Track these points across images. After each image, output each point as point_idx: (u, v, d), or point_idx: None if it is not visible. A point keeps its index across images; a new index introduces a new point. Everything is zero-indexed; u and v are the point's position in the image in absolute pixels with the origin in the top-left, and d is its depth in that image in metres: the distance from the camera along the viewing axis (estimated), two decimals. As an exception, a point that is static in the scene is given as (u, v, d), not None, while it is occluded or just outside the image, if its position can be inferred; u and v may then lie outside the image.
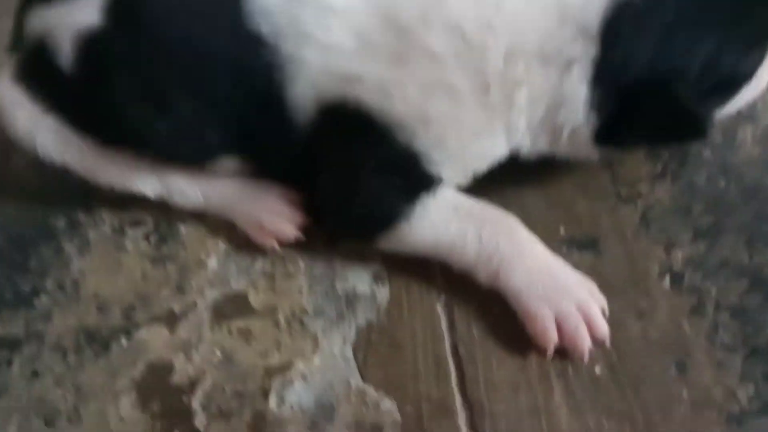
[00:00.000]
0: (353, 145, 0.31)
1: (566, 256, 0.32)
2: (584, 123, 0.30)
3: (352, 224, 0.33)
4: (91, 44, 0.30)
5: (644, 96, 0.29)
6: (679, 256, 0.32)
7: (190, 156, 0.34)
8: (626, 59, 0.28)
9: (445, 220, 0.31)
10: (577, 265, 0.31)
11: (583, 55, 0.28)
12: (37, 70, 0.32)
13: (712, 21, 0.29)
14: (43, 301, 0.34)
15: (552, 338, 0.29)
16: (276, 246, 0.34)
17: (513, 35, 0.28)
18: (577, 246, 0.33)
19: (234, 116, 0.31)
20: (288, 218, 0.33)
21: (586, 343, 0.29)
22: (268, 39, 0.29)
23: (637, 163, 0.36)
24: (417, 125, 0.29)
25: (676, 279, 0.32)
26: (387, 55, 0.29)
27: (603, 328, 0.30)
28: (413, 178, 0.30)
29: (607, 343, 0.30)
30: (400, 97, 0.29)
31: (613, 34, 0.28)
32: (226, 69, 0.30)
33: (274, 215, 0.33)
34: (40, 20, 0.32)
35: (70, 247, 0.36)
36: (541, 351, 0.30)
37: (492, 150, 0.31)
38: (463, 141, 0.30)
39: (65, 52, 0.31)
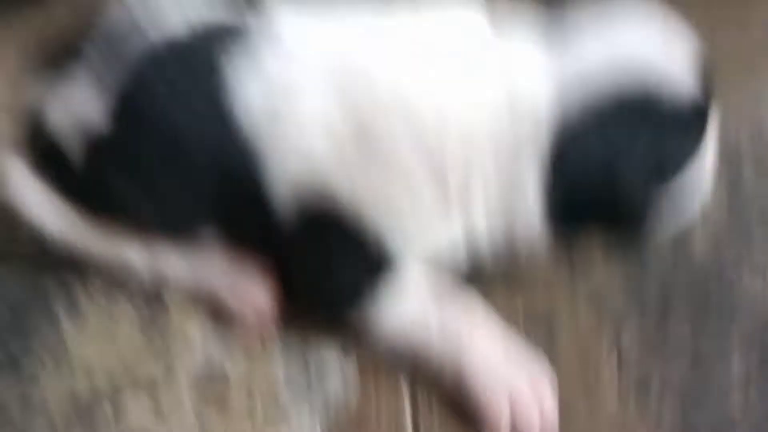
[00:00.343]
0: (323, 230, 0.33)
1: (521, 331, 0.35)
2: (535, 207, 0.32)
3: (323, 301, 0.35)
4: (93, 138, 0.34)
5: (589, 183, 0.32)
6: (627, 334, 0.35)
7: (172, 226, 0.37)
8: (572, 151, 0.31)
9: (407, 299, 0.34)
10: (530, 340, 0.34)
11: (533, 146, 0.31)
12: (46, 155, 0.36)
13: (649, 122, 0.32)
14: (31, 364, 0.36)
15: (504, 415, 0.32)
16: (254, 317, 0.36)
17: (468, 127, 0.31)
18: (532, 321, 0.36)
19: (220, 204, 0.34)
20: (265, 292, 0.36)
21: (536, 422, 0.32)
22: (249, 136, 0.32)
23: (591, 242, 0.39)
24: (381, 212, 0.32)
25: (624, 356, 0.34)
26: (354, 152, 0.32)
27: (552, 406, 0.32)
28: (378, 261, 0.33)
29: (556, 422, 0.32)
30: (365, 188, 0.32)
31: (561, 128, 0.31)
32: (210, 161, 0.33)
33: (253, 288, 0.36)
34: (55, 114, 0.35)
35: (61, 313, 0.38)
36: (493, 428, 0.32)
37: (450, 235, 0.34)
38: (423, 227, 0.33)
39: (72, 143, 0.34)
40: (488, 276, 0.37)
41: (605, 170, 0.31)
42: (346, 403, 0.34)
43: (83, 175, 0.35)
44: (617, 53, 0.32)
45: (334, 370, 0.35)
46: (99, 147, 0.34)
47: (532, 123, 0.31)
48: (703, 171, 0.35)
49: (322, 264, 0.34)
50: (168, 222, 0.36)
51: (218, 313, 0.37)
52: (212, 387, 0.35)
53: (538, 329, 0.35)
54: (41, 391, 0.35)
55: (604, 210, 0.33)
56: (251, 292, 0.36)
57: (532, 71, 0.31)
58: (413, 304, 0.34)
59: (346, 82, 0.32)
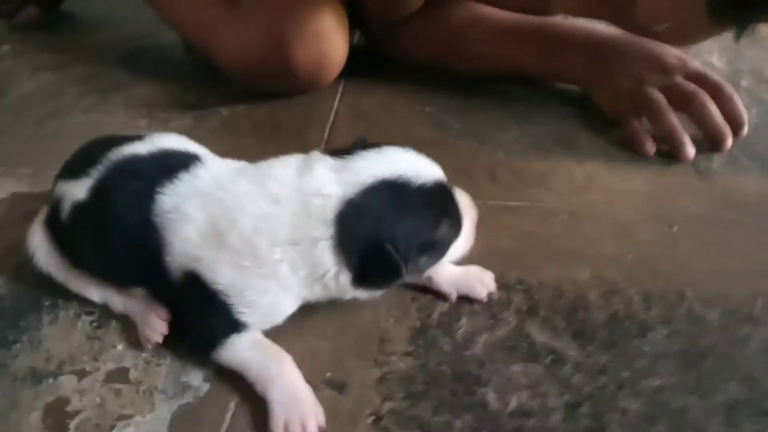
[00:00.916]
0: (195, 297, 0.52)
1: (319, 390, 0.51)
2: (339, 276, 0.50)
3: (194, 343, 0.54)
4: (76, 208, 0.55)
5: (367, 254, 0.49)
6: (389, 407, 0.50)
7: (117, 282, 0.57)
8: (354, 233, 0.49)
9: (245, 350, 0.51)
10: (323, 399, 0.50)
11: (325, 234, 0.49)
12: (51, 218, 0.58)
13: (408, 207, 0.50)
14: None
15: (280, 427, 0.47)
16: (151, 342, 0.55)
17: (275, 232, 0.49)
18: (330, 386, 0.52)
19: (138, 267, 0.54)
20: (159, 327, 0.54)
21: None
22: (160, 229, 0.52)
23: (399, 334, 0.56)
24: (228, 288, 0.51)
25: (379, 422, 0.50)
26: (212, 245, 0.51)
27: (315, 428, 0.47)
28: (228, 321, 0.51)
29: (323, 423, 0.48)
30: (219, 272, 0.51)
31: (342, 220, 0.49)
32: (135, 240, 0.53)
33: (153, 324, 0.55)
34: (60, 188, 0.57)
35: (46, 318, 0.58)
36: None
37: (281, 305, 0.52)
38: (257, 300, 0.51)
39: (65, 210, 0.56)
40: (313, 344, 0.55)
41: (374, 235, 0.49)
42: (193, 411, 0.51)
43: (66, 232, 0.57)
44: (381, 163, 0.51)
45: (195, 388, 0.53)
46: (77, 211, 0.55)
47: (320, 219, 0.49)
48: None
49: (193, 315, 0.53)
50: (110, 278, 0.57)
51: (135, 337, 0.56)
52: (118, 376, 0.53)
53: (332, 392, 0.52)
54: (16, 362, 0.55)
55: (376, 273, 0.50)
56: (153, 323, 0.55)
57: (324, 186, 0.50)
58: (248, 353, 0.51)
59: (211, 203, 0.52)
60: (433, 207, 0.52)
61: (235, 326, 0.51)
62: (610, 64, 0.85)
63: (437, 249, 0.54)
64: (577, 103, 0.91)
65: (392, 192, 0.50)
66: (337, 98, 0.93)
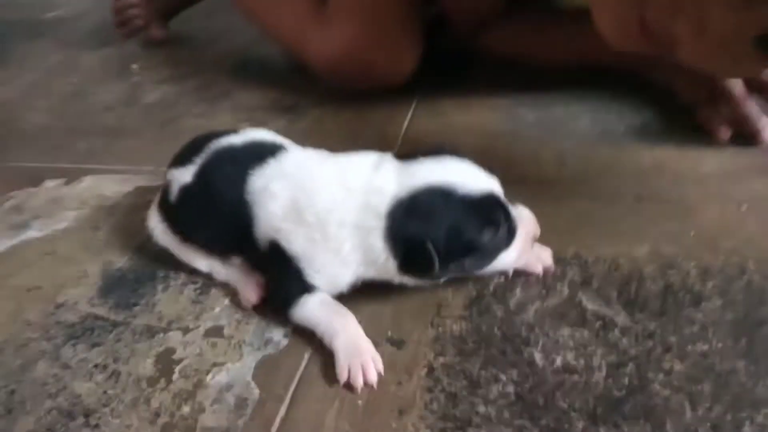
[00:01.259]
0: (276, 262, 0.60)
1: (379, 346, 0.57)
2: (387, 261, 0.56)
3: (274, 303, 0.61)
4: (183, 190, 0.65)
5: (408, 248, 0.55)
6: (441, 362, 0.56)
7: (218, 252, 0.66)
8: (400, 228, 0.55)
9: (315, 308, 0.59)
10: (383, 353, 0.57)
11: (378, 225, 0.56)
12: (163, 199, 0.68)
13: (452, 212, 0.55)
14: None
15: (343, 377, 0.54)
16: (250, 303, 0.64)
17: (343, 215, 0.57)
18: (390, 342, 0.59)
19: (234, 238, 0.63)
20: (256, 291, 0.63)
21: (360, 380, 0.53)
22: (251, 204, 0.61)
23: (456, 301, 0.61)
24: (302, 258, 0.58)
25: (431, 373, 0.55)
26: (293, 221, 0.59)
27: (372, 377, 0.54)
28: (301, 284, 0.59)
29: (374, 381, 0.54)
30: (294, 241, 0.58)
31: (393, 215, 0.55)
32: (231, 214, 0.62)
33: (251, 288, 0.64)
34: (170, 175, 0.68)
35: (160, 287, 0.69)
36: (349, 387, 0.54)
37: (341, 276, 0.59)
38: (322, 268, 0.58)
39: (174, 192, 0.66)
40: (375, 309, 0.61)
41: (417, 231, 0.55)
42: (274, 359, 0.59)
43: (175, 211, 0.67)
44: (435, 171, 0.57)
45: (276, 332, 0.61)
46: (184, 192, 0.65)
47: (376, 212, 0.56)
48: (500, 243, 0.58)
49: (273, 279, 0.62)
50: (212, 249, 0.67)
51: (234, 294, 0.65)
52: (215, 332, 0.62)
53: (393, 347, 0.58)
54: (135, 320, 0.66)
55: (416, 266, 0.56)
56: (251, 287, 0.64)
57: (384, 185, 0.57)
58: (318, 311, 0.59)
59: (294, 184, 0.60)
60: (478, 215, 0.56)
61: (306, 288, 0.59)
62: None
63: (482, 254, 0.58)
64: (650, 94, 0.92)
65: (439, 197, 0.56)
66: (416, 98, 1.00)
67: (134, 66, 1.29)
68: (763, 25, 0.54)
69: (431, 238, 0.54)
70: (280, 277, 0.60)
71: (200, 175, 0.65)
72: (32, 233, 0.81)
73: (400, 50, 0.96)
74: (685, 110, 0.87)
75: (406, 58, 0.97)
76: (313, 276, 0.59)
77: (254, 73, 1.18)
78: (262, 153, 0.64)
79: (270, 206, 0.60)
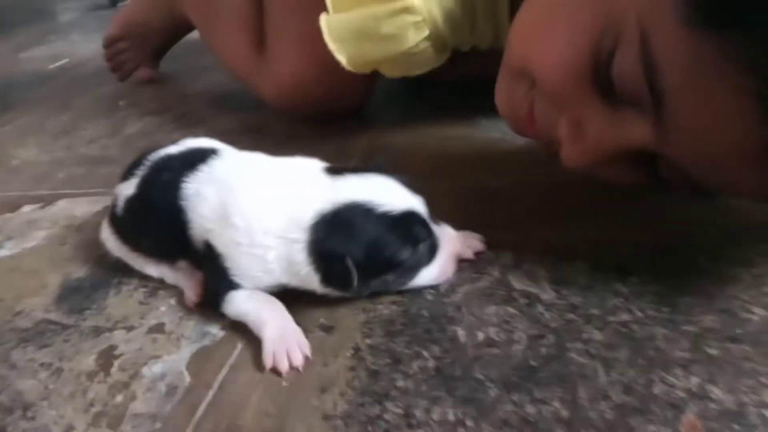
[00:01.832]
0: (209, 261, 0.62)
1: (310, 332, 0.59)
2: (309, 274, 0.57)
3: (208, 299, 0.63)
4: (127, 202, 0.68)
5: (329, 263, 0.56)
6: (368, 343, 0.57)
7: (164, 257, 0.69)
8: (322, 243, 0.56)
9: (243, 302, 0.60)
10: (313, 338, 0.58)
11: (301, 238, 0.56)
12: (112, 213, 0.71)
13: (371, 229, 0.56)
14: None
15: (269, 363, 0.55)
16: (190, 303, 0.66)
17: (269, 224, 0.58)
18: (321, 329, 0.60)
19: (176, 242, 0.65)
20: (196, 290, 0.65)
21: (285, 363, 0.54)
22: (186, 209, 0.63)
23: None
24: (227, 258, 0.60)
25: (357, 353, 0.56)
26: (221, 222, 0.61)
27: (297, 361, 0.55)
28: (227, 281, 0.60)
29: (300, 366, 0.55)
30: (221, 242, 0.60)
31: (315, 230, 0.56)
32: (170, 220, 0.64)
33: (192, 289, 0.66)
34: (116, 190, 0.71)
35: (112, 292, 0.72)
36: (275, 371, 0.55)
37: (266, 279, 0.60)
38: (249, 272, 0.60)
39: (120, 205, 0.69)
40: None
41: (336, 247, 0.56)
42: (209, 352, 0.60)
43: (122, 223, 0.70)
44: (360, 187, 0.58)
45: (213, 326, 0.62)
46: (128, 204, 0.68)
47: (300, 225, 0.57)
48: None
49: (206, 277, 0.64)
50: (158, 254, 0.69)
51: (181, 295, 0.67)
52: (157, 329, 0.64)
53: (322, 334, 0.59)
54: (85, 322, 0.68)
55: (336, 280, 0.57)
56: (191, 286, 0.66)
57: (310, 198, 0.58)
58: (245, 304, 0.60)
59: (223, 188, 0.62)
60: (398, 232, 0.57)
61: (232, 285, 0.61)
62: None
63: (403, 271, 0.59)
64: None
65: (361, 213, 0.57)
66: (380, 114, 1.04)
67: (121, 102, 1.35)
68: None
69: (351, 254, 0.55)
70: (211, 276, 0.62)
71: (140, 186, 0.68)
72: (3, 252, 0.84)
73: (347, 83, 0.94)
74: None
75: (356, 90, 0.99)
76: (236, 275, 0.60)
77: (231, 104, 1.23)
78: (195, 159, 0.67)
79: (200, 208, 0.62)
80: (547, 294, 0.59)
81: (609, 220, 0.68)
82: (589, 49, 0.51)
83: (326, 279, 0.57)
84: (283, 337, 0.57)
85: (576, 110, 0.55)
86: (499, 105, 0.67)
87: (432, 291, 0.62)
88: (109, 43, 1.41)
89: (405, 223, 0.57)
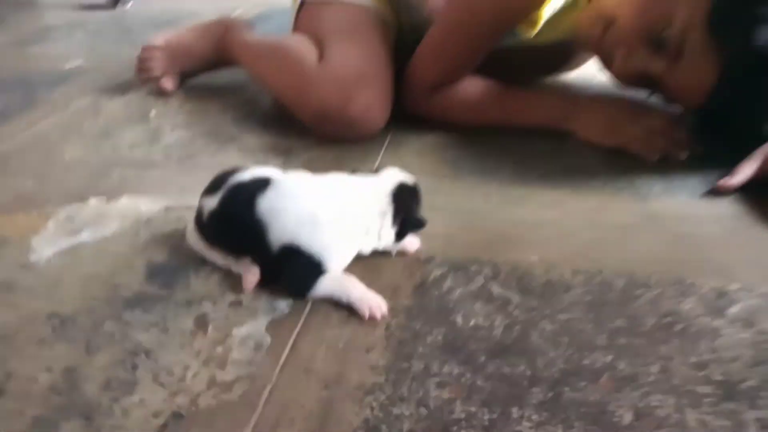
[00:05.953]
0: (295, 258, 0.86)
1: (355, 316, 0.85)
2: (391, 233, 0.86)
3: (296, 290, 0.87)
4: (211, 213, 0.92)
5: (405, 218, 0.88)
6: (395, 322, 0.83)
7: (233, 254, 0.92)
8: (398, 208, 0.85)
9: (329, 282, 0.84)
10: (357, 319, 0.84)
11: (387, 210, 0.85)
12: (197, 218, 0.95)
13: (413, 196, 0.88)
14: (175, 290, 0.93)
15: (366, 314, 0.82)
16: (249, 286, 0.90)
17: (366, 210, 0.87)
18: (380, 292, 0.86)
19: (246, 245, 0.90)
20: (253, 278, 0.89)
21: (378, 313, 0.82)
22: (263, 219, 0.88)
23: (407, 286, 0.89)
24: (322, 251, 0.86)
25: (389, 329, 0.82)
26: (310, 226, 0.86)
27: (384, 310, 0.82)
28: (318, 270, 0.85)
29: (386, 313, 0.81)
30: (316, 241, 0.86)
31: (393, 200, 0.86)
32: (247, 227, 0.88)
33: (250, 276, 0.89)
34: (201, 201, 0.94)
35: (193, 274, 0.95)
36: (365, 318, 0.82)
37: (350, 255, 0.87)
38: (341, 256, 0.86)
39: (205, 214, 0.92)
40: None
41: (406, 210, 0.86)
42: (284, 314, 0.85)
43: (205, 228, 0.93)
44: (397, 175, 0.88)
45: (280, 303, 0.87)
46: (211, 215, 0.91)
47: (387, 198, 0.86)
48: None
49: (290, 272, 0.88)
50: (229, 251, 0.92)
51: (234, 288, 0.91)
52: (237, 304, 0.88)
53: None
54: (174, 295, 0.91)
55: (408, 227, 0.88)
56: (250, 276, 0.90)
57: (380, 189, 0.87)
58: (328, 285, 0.85)
59: (305, 202, 0.88)
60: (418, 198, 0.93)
61: (321, 272, 0.85)
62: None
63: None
64: (557, 151, 1.25)
65: (408, 190, 0.89)
66: (384, 147, 1.30)
67: (152, 112, 1.56)
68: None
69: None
70: (297, 270, 0.85)
71: (221, 202, 0.90)
72: (83, 238, 1.05)
73: (374, 108, 1.26)
74: (580, 162, 1.19)
75: (380, 114, 1.27)
76: (327, 264, 0.86)
77: (254, 124, 1.46)
78: (264, 183, 0.91)
79: (282, 220, 0.87)
80: (516, 298, 0.87)
81: (558, 251, 0.97)
82: (654, 19, 1.06)
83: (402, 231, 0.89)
84: (366, 299, 0.83)
85: (630, 46, 1.11)
86: (581, 30, 1.21)
87: (437, 290, 0.89)
88: (148, 50, 1.61)
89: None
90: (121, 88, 1.72)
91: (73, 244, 1.03)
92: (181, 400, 0.71)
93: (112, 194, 1.17)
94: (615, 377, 0.73)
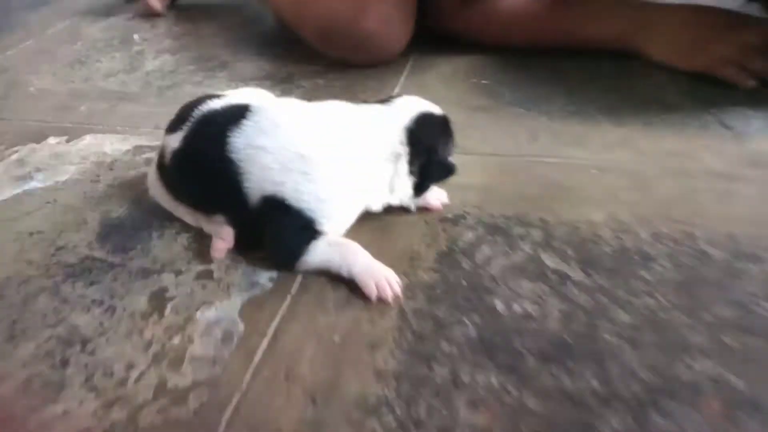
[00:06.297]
0: (279, 216, 0.64)
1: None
2: (408, 183, 0.65)
3: (280, 257, 0.66)
4: (174, 154, 0.70)
5: (428, 162, 0.65)
6: (412, 306, 0.62)
7: (203, 209, 0.71)
8: (417, 149, 0.64)
9: (324, 249, 0.64)
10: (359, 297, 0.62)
11: (402, 151, 0.64)
12: (159, 162, 0.73)
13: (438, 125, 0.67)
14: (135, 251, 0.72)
15: (374, 293, 0.61)
16: (217, 254, 0.69)
17: (374, 152, 0.65)
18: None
19: (221, 196, 0.68)
20: (229, 238, 0.69)
21: (389, 291, 0.61)
22: (238, 161, 0.65)
23: (428, 255, 0.67)
24: (316, 206, 0.63)
25: (403, 315, 0.61)
26: (299, 174, 0.64)
27: (396, 288, 0.61)
28: (311, 233, 0.64)
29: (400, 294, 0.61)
30: (307, 192, 0.63)
31: (410, 137, 0.64)
32: (218, 173, 0.66)
33: (220, 240, 0.69)
34: (164, 140, 0.72)
35: (155, 234, 0.74)
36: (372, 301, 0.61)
37: (354, 213, 0.66)
38: (341, 214, 0.65)
39: (167, 156, 0.71)
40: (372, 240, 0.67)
41: (428, 150, 0.65)
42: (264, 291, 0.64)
43: (168, 174, 0.72)
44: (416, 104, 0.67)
45: (261, 276, 0.66)
46: (174, 156, 0.70)
47: (401, 141, 0.64)
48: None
49: (275, 234, 0.66)
50: (199, 206, 0.72)
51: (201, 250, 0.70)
52: (205, 275, 0.68)
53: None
54: (131, 263, 0.71)
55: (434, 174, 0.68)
56: (225, 237, 0.69)
57: (392, 123, 0.65)
58: (328, 250, 0.64)
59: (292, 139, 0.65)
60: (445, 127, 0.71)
61: (314, 235, 0.64)
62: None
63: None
64: (623, 77, 0.98)
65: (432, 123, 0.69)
66: (404, 73, 1.06)
67: (135, 36, 1.33)
68: None
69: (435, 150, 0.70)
70: (284, 232, 0.65)
71: (186, 140, 0.69)
72: (35, 184, 0.85)
73: (393, 22, 1.01)
74: (653, 94, 0.92)
75: (400, 31, 1.02)
76: (324, 224, 0.65)
77: (251, 47, 1.23)
78: (241, 112, 0.68)
79: (263, 161, 0.64)
80: (577, 274, 0.64)
81: (628, 206, 0.73)
82: None
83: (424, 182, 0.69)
84: (376, 270, 0.62)
85: None
86: None
87: (468, 261, 0.66)
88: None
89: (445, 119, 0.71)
90: (105, 11, 1.49)
91: (17, 192, 0.84)
92: (117, 415, 0.52)
93: (74, 132, 0.98)
94: (724, 397, 0.50)
